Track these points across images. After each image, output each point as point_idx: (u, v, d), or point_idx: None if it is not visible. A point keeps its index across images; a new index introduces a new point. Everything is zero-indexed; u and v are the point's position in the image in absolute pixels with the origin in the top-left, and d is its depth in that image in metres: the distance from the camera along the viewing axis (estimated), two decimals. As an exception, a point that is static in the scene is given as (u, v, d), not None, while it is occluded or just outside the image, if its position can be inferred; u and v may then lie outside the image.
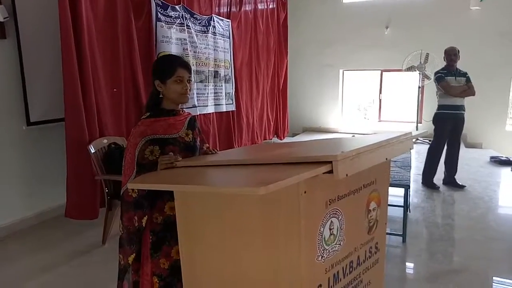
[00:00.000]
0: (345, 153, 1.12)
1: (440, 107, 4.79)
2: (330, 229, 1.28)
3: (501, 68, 7.57)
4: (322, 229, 1.25)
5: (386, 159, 1.39)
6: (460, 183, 4.88)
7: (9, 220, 3.57)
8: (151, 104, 1.82)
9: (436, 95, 4.86)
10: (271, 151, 1.70)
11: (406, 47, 7.72)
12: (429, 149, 4.92)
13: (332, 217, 1.29)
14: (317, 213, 1.23)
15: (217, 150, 1.90)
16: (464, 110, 4.75)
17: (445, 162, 4.93)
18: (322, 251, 1.26)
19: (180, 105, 1.85)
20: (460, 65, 4.84)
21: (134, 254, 1.73)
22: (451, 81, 4.67)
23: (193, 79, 5.04)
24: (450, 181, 4.92)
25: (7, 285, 2.73)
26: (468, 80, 4.73)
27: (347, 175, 1.12)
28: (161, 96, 1.79)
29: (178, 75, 1.74)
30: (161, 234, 1.73)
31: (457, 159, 4.89)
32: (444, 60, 4.86)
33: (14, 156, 3.61)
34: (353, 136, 3.19)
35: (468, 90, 4.69)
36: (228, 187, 1.25)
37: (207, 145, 2.02)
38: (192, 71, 4.92)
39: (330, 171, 1.10)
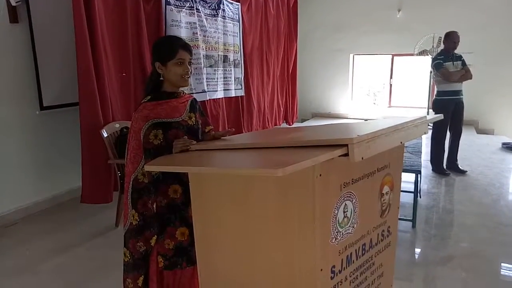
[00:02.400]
0: (361, 136, 1.12)
1: (439, 93, 4.74)
2: (344, 212, 1.29)
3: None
4: (336, 211, 1.26)
5: (401, 142, 1.38)
6: (462, 168, 4.86)
7: (23, 204, 3.65)
8: (151, 87, 1.78)
9: (434, 81, 4.79)
10: (286, 134, 1.70)
11: (418, 30, 7.57)
12: (432, 137, 4.86)
13: (346, 200, 1.30)
14: (332, 196, 1.24)
15: (232, 128, 1.87)
16: (463, 95, 4.70)
17: (448, 148, 4.90)
18: (336, 233, 1.27)
19: (180, 87, 1.82)
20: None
21: (155, 235, 1.75)
22: (449, 67, 4.61)
23: (203, 64, 5.02)
24: (451, 166, 4.88)
25: (23, 267, 2.79)
26: (463, 63, 4.67)
27: (362, 158, 1.12)
28: (161, 78, 1.76)
29: (179, 57, 1.70)
30: (166, 216, 1.74)
31: (458, 144, 4.85)
32: (443, 43, 4.77)
33: (28, 141, 3.66)
34: (366, 121, 3.18)
35: (466, 74, 4.63)
36: (246, 169, 1.26)
37: (211, 127, 1.97)
38: (202, 55, 4.96)
39: (346, 154, 1.10)
